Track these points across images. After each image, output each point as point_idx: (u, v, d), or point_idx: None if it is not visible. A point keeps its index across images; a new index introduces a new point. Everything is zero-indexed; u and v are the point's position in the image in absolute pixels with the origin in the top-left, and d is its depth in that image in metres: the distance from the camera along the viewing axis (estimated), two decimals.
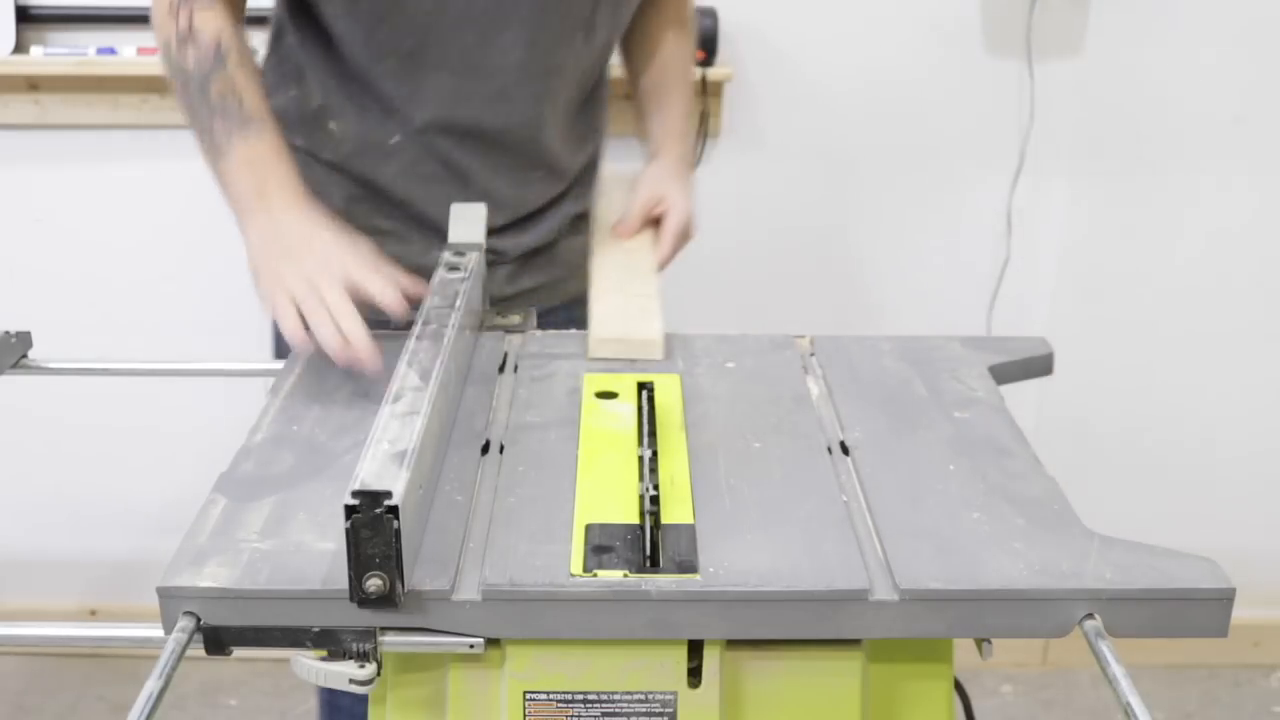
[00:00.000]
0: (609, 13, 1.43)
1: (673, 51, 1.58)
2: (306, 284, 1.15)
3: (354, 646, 0.89)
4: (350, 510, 0.83)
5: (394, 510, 0.83)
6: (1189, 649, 2.40)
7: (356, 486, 0.84)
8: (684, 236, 1.49)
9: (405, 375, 1.04)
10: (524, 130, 1.43)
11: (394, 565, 0.84)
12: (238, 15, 1.32)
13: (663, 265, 1.45)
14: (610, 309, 1.31)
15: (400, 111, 1.39)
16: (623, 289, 1.35)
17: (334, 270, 1.16)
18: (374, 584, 0.85)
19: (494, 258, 1.45)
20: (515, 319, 1.35)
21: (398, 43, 1.35)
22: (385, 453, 0.90)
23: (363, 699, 0.95)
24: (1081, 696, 2.42)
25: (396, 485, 0.84)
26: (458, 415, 1.14)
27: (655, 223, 1.49)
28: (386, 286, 1.17)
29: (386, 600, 0.85)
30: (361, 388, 1.18)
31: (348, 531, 0.83)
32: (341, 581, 0.88)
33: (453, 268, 1.28)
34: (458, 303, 1.18)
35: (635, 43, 1.58)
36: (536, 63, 1.38)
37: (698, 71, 2.08)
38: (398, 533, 0.84)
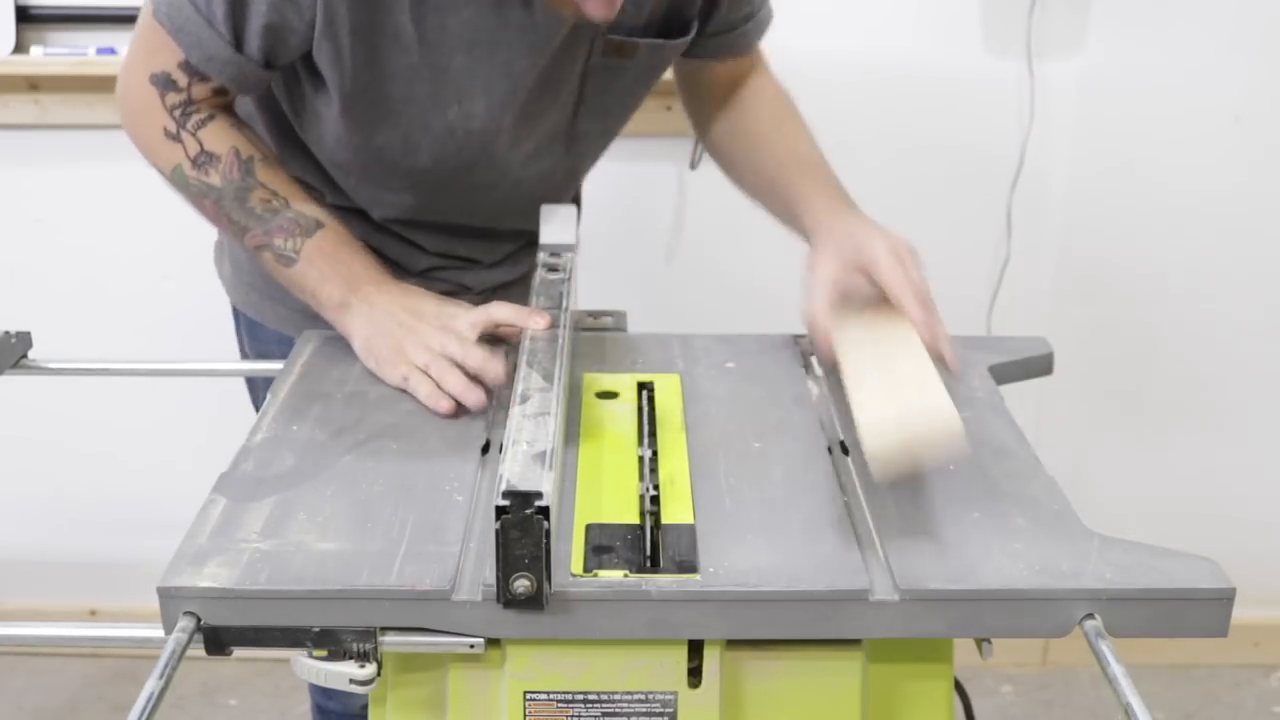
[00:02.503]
0: (592, 115, 1.35)
1: (792, 136, 1.44)
2: (428, 352, 1.16)
3: (354, 646, 0.89)
4: (500, 511, 0.84)
5: (544, 511, 0.84)
6: (1189, 649, 2.40)
7: (505, 487, 0.84)
8: (916, 278, 1.21)
9: (528, 376, 1.05)
10: (495, 224, 1.42)
11: (543, 566, 0.85)
12: (232, 112, 1.28)
13: (933, 341, 1.14)
14: (879, 408, 0.98)
15: (360, 210, 1.37)
16: (884, 376, 1.04)
17: (452, 330, 1.17)
18: (522, 585, 0.85)
19: (458, 290, 1.42)
20: (608, 320, 1.36)
21: (385, 181, 1.33)
22: (525, 454, 0.90)
23: (353, 701, 0.95)
24: (1081, 696, 2.42)
25: (544, 486, 0.85)
26: (457, 415, 1.14)
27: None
28: (518, 313, 1.18)
29: (533, 601, 0.86)
30: (361, 388, 1.18)
31: (497, 533, 0.84)
32: (340, 582, 0.88)
33: (552, 269, 1.29)
34: (564, 303, 1.20)
35: (744, 150, 1.45)
36: (519, 189, 1.37)
37: None
38: (547, 533, 0.84)
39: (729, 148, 1.46)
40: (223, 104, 1.25)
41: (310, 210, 1.25)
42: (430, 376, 1.15)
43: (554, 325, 1.16)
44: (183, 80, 1.21)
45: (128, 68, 1.24)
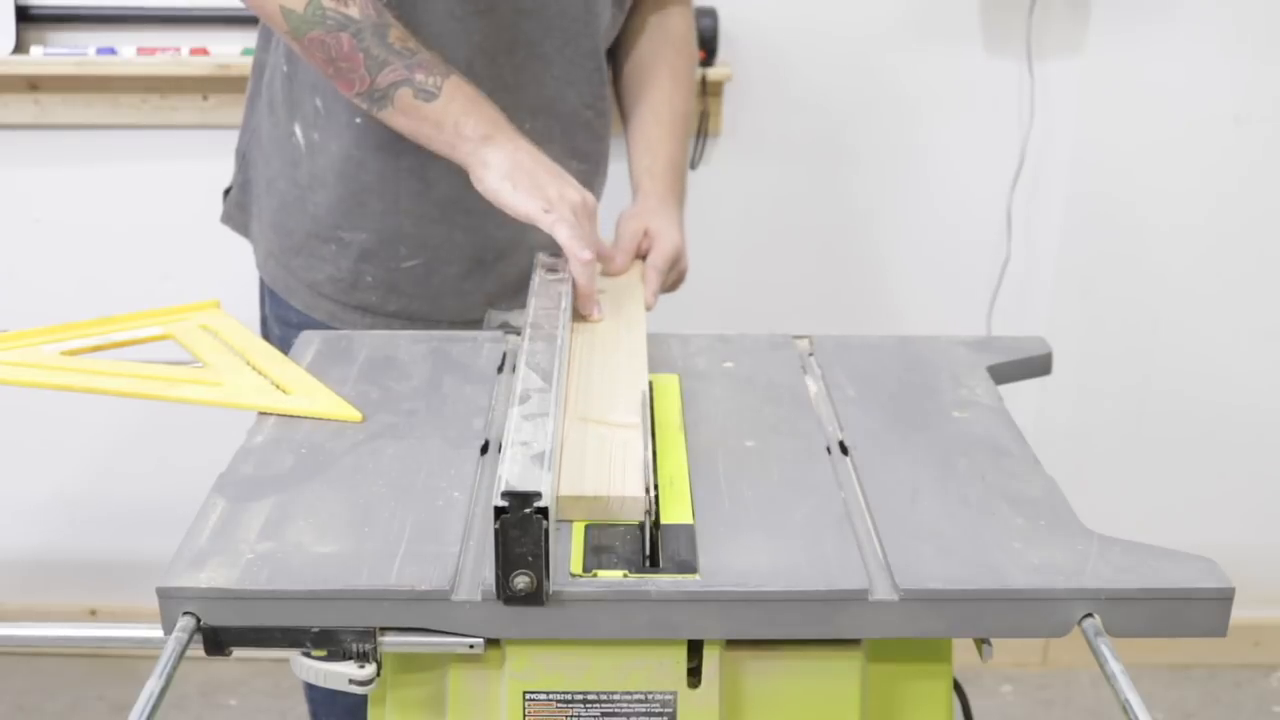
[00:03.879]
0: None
1: (664, 85, 1.56)
2: (569, 203, 1.26)
3: (353, 647, 0.89)
4: (499, 511, 0.84)
5: (543, 511, 0.84)
6: (1189, 649, 2.40)
7: (504, 488, 0.85)
8: (675, 271, 1.48)
9: (527, 376, 1.05)
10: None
11: (542, 564, 0.85)
12: None
13: (649, 303, 1.40)
14: (585, 455, 1.03)
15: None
16: (603, 415, 1.09)
17: (587, 203, 1.28)
18: (522, 581, 0.86)
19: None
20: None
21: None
22: (524, 454, 0.91)
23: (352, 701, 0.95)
24: (1081, 696, 2.42)
25: (542, 486, 0.85)
26: (458, 415, 1.14)
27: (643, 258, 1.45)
28: (605, 250, 1.35)
29: (533, 598, 0.86)
30: (361, 389, 1.18)
31: (497, 533, 0.84)
32: (340, 582, 0.88)
33: (551, 269, 1.30)
34: (563, 304, 1.21)
35: (630, 76, 1.57)
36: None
37: (699, 72, 2.08)
38: (546, 532, 0.85)
39: (624, 65, 1.59)
40: None
41: (440, 59, 1.29)
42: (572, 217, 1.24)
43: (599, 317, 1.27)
44: None
45: None
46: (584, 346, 1.22)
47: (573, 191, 1.28)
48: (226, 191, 1.59)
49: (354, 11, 1.26)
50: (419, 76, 1.26)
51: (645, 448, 1.02)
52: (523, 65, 1.43)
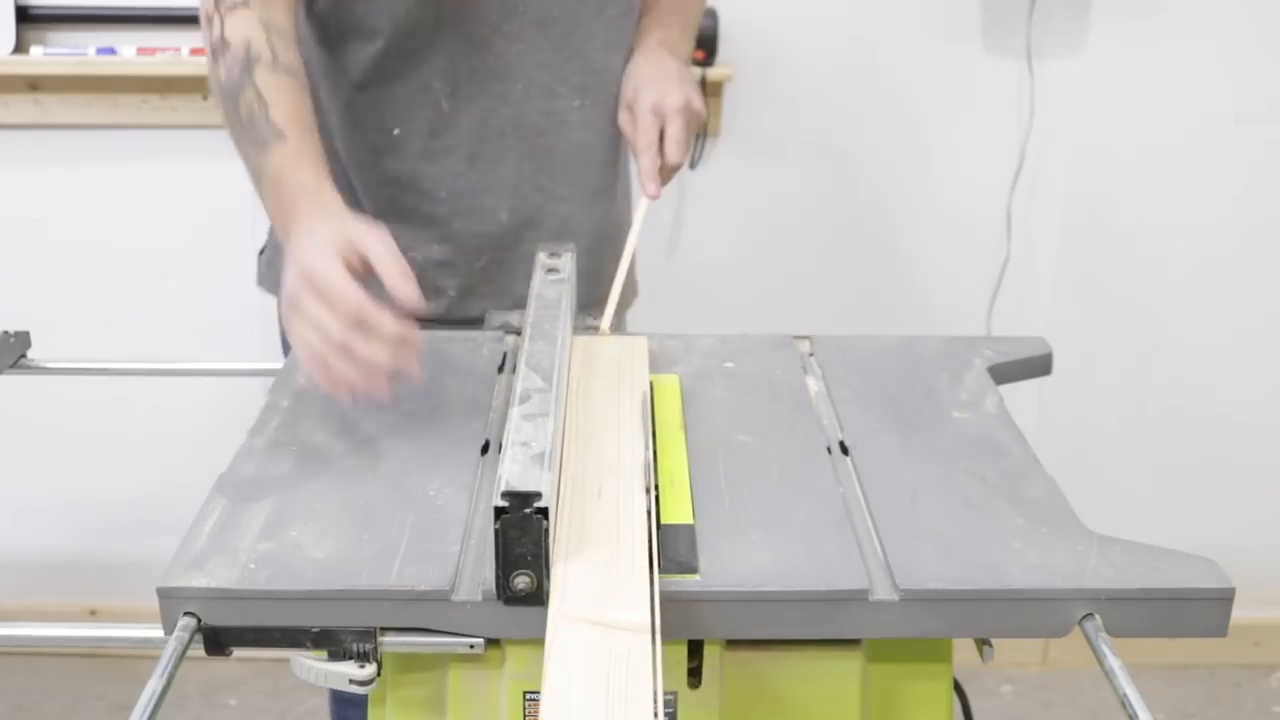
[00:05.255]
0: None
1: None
2: (316, 330, 1.00)
3: (354, 647, 0.89)
4: (499, 511, 0.84)
5: (543, 511, 0.84)
6: (1189, 649, 2.40)
7: (504, 488, 0.85)
8: (694, 124, 1.40)
9: (527, 376, 1.04)
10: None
11: (542, 564, 0.85)
12: (282, 12, 1.24)
13: (671, 172, 1.36)
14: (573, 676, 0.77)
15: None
16: (602, 609, 0.83)
17: (309, 290, 1.01)
18: (522, 581, 0.86)
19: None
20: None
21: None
22: (525, 454, 0.90)
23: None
24: (1081, 696, 2.42)
25: (543, 486, 0.85)
26: (458, 415, 1.14)
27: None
28: (389, 267, 1.02)
29: (533, 598, 0.86)
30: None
31: (497, 533, 0.84)
32: (340, 582, 0.88)
33: (550, 269, 1.29)
34: (563, 303, 1.20)
35: None
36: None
37: (697, 71, 2.08)
38: (546, 532, 0.84)
39: None
40: None
41: (282, 118, 1.16)
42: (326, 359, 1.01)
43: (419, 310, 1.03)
44: None
45: None
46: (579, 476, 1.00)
47: (322, 312, 1.00)
48: (261, 251, 1.55)
49: (221, 72, 1.21)
50: (249, 155, 1.18)
51: (657, 661, 0.78)
52: (563, 40, 1.39)
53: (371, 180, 1.42)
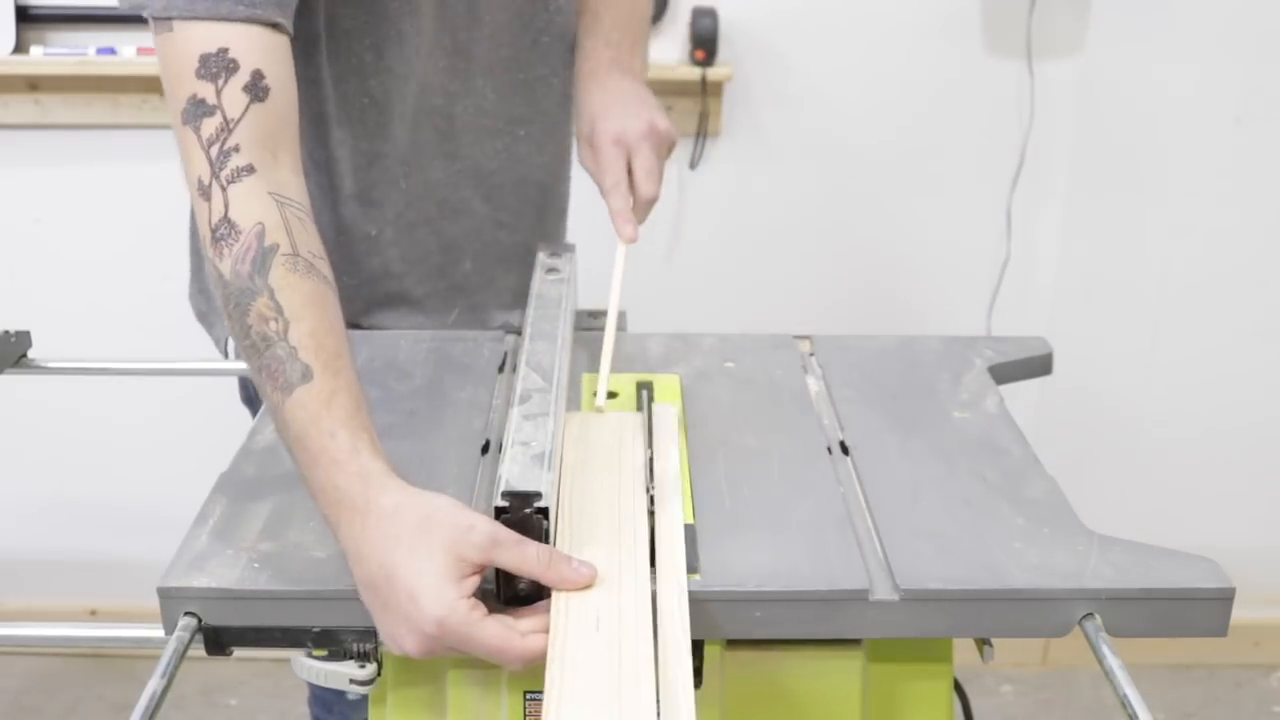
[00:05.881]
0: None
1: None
2: (408, 639, 0.84)
3: (354, 647, 0.89)
4: (500, 511, 0.84)
5: (544, 511, 0.84)
6: (1189, 649, 2.40)
7: (504, 488, 0.85)
8: (663, 149, 1.25)
9: (527, 376, 1.05)
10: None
11: None
12: (289, 166, 1.02)
13: (646, 207, 1.23)
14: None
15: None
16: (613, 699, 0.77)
17: (451, 640, 0.84)
18: (523, 582, 0.86)
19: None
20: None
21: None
22: (525, 454, 0.90)
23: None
24: (1081, 696, 2.42)
25: (543, 486, 0.85)
26: (458, 415, 1.14)
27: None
28: (504, 643, 0.84)
29: (535, 597, 0.86)
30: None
31: None
32: (340, 582, 0.88)
33: (551, 269, 1.29)
34: (563, 304, 1.20)
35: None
36: None
37: (697, 71, 2.08)
38: (547, 532, 0.85)
39: None
40: (271, 122, 1.01)
41: (306, 343, 0.92)
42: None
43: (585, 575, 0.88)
44: (209, 92, 0.99)
45: (173, 119, 1.01)
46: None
47: (436, 625, 0.83)
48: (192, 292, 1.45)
49: (226, 266, 0.95)
50: (265, 386, 0.93)
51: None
52: (510, 83, 1.33)
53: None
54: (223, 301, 0.96)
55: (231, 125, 0.99)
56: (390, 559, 0.84)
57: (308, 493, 0.91)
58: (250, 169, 0.98)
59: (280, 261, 0.95)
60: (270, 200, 0.97)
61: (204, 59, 0.99)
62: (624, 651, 0.80)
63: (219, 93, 0.99)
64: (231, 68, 1.00)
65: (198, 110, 0.99)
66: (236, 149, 0.98)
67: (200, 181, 0.98)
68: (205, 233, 0.97)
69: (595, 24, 1.35)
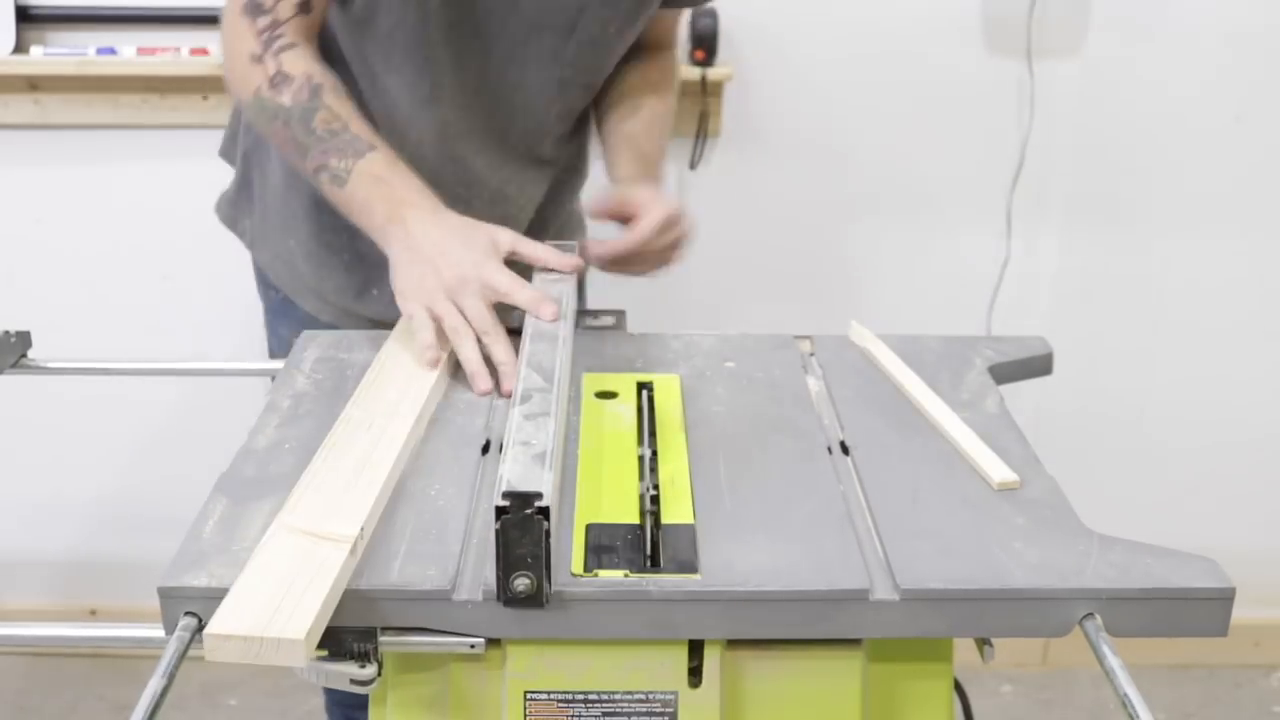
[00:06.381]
0: (581, 48, 1.40)
1: (650, 114, 1.51)
2: (447, 297, 1.18)
3: (354, 646, 0.89)
4: (500, 511, 0.84)
5: (544, 511, 0.84)
6: (1189, 649, 2.40)
7: (505, 488, 0.85)
8: (674, 234, 1.36)
9: (527, 376, 1.05)
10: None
11: (543, 565, 0.85)
12: (316, 51, 1.33)
13: (633, 262, 1.35)
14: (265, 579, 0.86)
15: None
16: (319, 523, 0.91)
17: (475, 281, 1.19)
18: (522, 583, 0.86)
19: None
20: (608, 320, 1.35)
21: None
22: (525, 454, 0.90)
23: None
24: (1081, 696, 2.42)
25: (544, 486, 0.85)
26: (458, 415, 1.14)
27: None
28: (533, 295, 1.20)
29: (533, 600, 0.86)
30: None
31: (497, 533, 0.84)
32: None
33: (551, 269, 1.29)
34: (565, 303, 1.20)
35: (612, 101, 1.52)
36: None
37: (697, 71, 2.08)
38: (547, 533, 0.85)
39: (603, 98, 1.53)
40: (307, 29, 1.30)
41: (365, 133, 1.27)
42: (442, 325, 1.17)
43: (558, 318, 1.18)
44: (268, 1, 1.28)
45: (226, 11, 1.31)
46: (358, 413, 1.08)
47: (455, 278, 1.18)
48: (225, 194, 1.60)
49: (285, 99, 1.26)
50: (333, 161, 1.25)
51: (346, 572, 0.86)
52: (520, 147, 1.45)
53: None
54: (285, 125, 1.26)
55: (279, 24, 1.29)
56: (448, 235, 1.20)
57: (368, 223, 1.24)
58: (292, 46, 1.28)
59: (329, 89, 1.27)
60: (315, 60, 1.30)
61: None
62: (379, 444, 1.02)
63: (276, 3, 1.29)
64: None
65: (256, 8, 1.29)
66: (281, 36, 1.28)
67: (253, 54, 1.28)
68: (261, 85, 1.27)
69: (629, 123, 1.49)
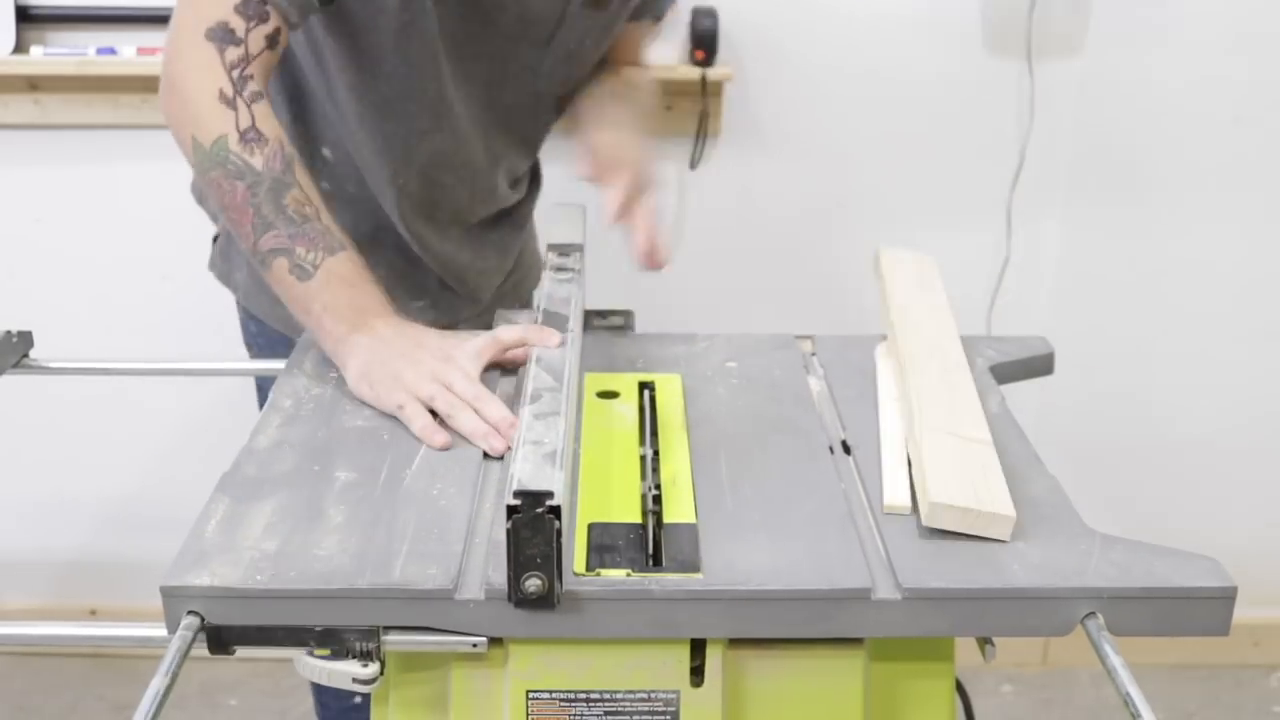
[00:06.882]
0: (557, 61, 1.40)
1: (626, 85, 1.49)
2: (432, 381, 1.12)
3: (357, 646, 0.89)
4: (512, 510, 0.84)
5: (555, 510, 0.84)
6: (1189, 649, 2.40)
7: (516, 487, 0.84)
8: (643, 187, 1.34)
9: (537, 375, 1.04)
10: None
11: (554, 565, 0.85)
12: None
13: (621, 215, 1.30)
14: (947, 464, 1.01)
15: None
16: (955, 429, 1.07)
17: (455, 362, 1.13)
18: (533, 584, 0.85)
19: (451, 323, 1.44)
20: (617, 320, 1.35)
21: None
22: (536, 453, 0.90)
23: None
24: (1081, 696, 2.43)
25: (555, 486, 0.85)
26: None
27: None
28: (529, 330, 1.17)
29: (544, 600, 0.86)
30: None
31: (509, 532, 0.84)
32: (343, 581, 0.88)
33: (560, 268, 1.28)
34: (573, 303, 1.20)
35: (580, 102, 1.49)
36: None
37: (697, 71, 2.08)
38: (558, 533, 0.84)
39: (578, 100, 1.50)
40: (268, 70, 1.21)
41: (334, 228, 1.19)
42: (434, 409, 1.10)
43: (563, 343, 1.14)
44: (240, 27, 1.16)
45: (178, 29, 1.20)
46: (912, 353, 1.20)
47: (437, 364, 1.13)
48: (215, 238, 1.55)
49: (257, 162, 1.16)
50: (299, 250, 1.16)
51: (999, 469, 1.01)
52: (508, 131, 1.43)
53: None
54: (249, 190, 1.16)
55: (250, 59, 1.18)
56: (420, 334, 1.17)
57: (327, 329, 1.17)
58: (261, 96, 1.18)
59: (298, 164, 1.18)
60: (278, 124, 1.19)
61: (242, 4, 1.18)
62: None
63: (248, 32, 1.18)
64: (264, 17, 1.18)
65: (226, 36, 1.17)
66: (251, 78, 1.18)
67: (223, 93, 1.17)
68: (229, 135, 1.16)
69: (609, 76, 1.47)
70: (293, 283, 1.16)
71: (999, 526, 0.94)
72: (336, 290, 1.16)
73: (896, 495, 1.00)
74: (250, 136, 1.16)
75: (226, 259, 1.52)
